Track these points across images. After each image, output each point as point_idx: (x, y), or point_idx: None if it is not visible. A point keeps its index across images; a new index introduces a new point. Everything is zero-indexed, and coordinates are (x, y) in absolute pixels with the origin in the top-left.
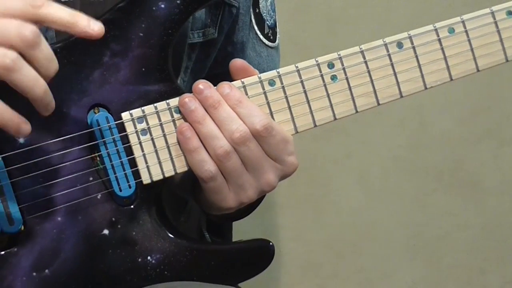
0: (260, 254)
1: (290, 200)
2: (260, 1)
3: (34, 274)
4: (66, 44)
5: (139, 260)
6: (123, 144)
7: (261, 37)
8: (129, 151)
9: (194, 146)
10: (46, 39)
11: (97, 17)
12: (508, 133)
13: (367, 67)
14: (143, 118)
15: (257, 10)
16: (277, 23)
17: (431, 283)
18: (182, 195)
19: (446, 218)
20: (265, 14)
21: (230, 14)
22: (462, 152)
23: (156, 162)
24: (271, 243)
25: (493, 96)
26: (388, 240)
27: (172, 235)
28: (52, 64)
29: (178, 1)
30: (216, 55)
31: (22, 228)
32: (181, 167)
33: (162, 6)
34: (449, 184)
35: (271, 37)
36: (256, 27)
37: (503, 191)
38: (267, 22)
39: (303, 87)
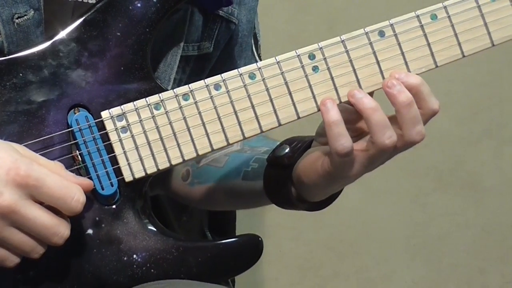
0: (249, 250)
1: None
2: (256, 23)
3: (19, 276)
4: (44, 47)
5: (125, 259)
6: (103, 142)
7: (257, 57)
8: (109, 149)
9: (334, 119)
10: (37, 36)
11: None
12: (508, 133)
13: (349, 57)
14: (122, 116)
15: (254, 31)
16: None
17: (431, 283)
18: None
19: (446, 218)
20: (258, 34)
21: (227, 29)
22: (462, 152)
23: (137, 159)
24: (260, 238)
25: (493, 96)
26: (388, 240)
27: (158, 232)
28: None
29: (155, 0)
30: (214, 70)
31: None
32: (163, 163)
33: (139, 5)
34: (449, 184)
35: (261, 57)
36: (254, 48)
37: (503, 191)
38: (259, 43)
39: (284, 79)
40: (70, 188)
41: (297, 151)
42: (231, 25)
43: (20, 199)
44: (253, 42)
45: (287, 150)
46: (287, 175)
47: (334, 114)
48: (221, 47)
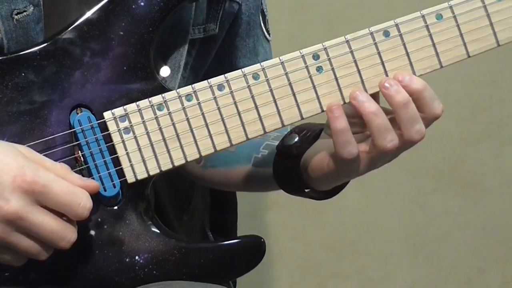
0: (251, 251)
1: (290, 200)
2: None
3: (20, 277)
4: (46, 46)
5: (127, 260)
6: (106, 144)
7: (266, 33)
8: (112, 150)
9: (341, 127)
10: (36, 33)
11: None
12: (508, 133)
13: (353, 57)
14: (125, 116)
15: (261, 7)
16: None
17: (431, 283)
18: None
19: (446, 218)
20: (265, 9)
21: (231, 10)
22: (462, 152)
23: (140, 160)
24: (262, 240)
25: (493, 96)
26: (388, 240)
27: (160, 233)
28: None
29: None
30: (221, 51)
31: None
32: (166, 165)
33: (142, 4)
34: (449, 184)
35: (269, 31)
36: (262, 24)
37: (503, 191)
38: (267, 17)
39: (288, 80)
40: (76, 194)
41: (306, 140)
42: (234, 5)
43: (26, 206)
44: (261, 18)
45: (296, 140)
46: (295, 164)
47: (341, 122)
48: (226, 28)
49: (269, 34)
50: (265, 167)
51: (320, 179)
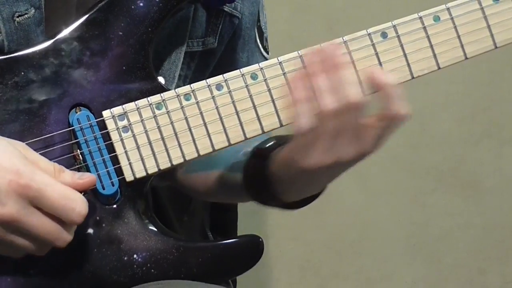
0: (249, 250)
1: None
2: (260, 15)
3: (19, 274)
4: (46, 46)
5: (125, 258)
6: (104, 142)
7: (262, 50)
8: (111, 148)
9: (298, 96)
10: (37, 35)
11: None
12: (508, 133)
13: (351, 58)
14: (124, 115)
15: (259, 24)
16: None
17: (431, 283)
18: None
19: (446, 218)
20: (263, 27)
21: (231, 24)
22: (462, 152)
23: (138, 158)
24: (260, 239)
25: (493, 96)
26: (388, 240)
27: (158, 232)
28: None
29: None
30: (220, 64)
31: None
32: (164, 163)
33: (141, 4)
34: (449, 184)
35: (268, 49)
36: (258, 41)
37: (503, 191)
38: (265, 35)
39: (286, 80)
40: (71, 199)
41: (283, 145)
42: (235, 19)
43: (22, 209)
44: (257, 34)
45: (271, 143)
46: (264, 165)
47: (298, 92)
48: (225, 42)
49: (267, 52)
50: (238, 172)
51: (282, 171)
